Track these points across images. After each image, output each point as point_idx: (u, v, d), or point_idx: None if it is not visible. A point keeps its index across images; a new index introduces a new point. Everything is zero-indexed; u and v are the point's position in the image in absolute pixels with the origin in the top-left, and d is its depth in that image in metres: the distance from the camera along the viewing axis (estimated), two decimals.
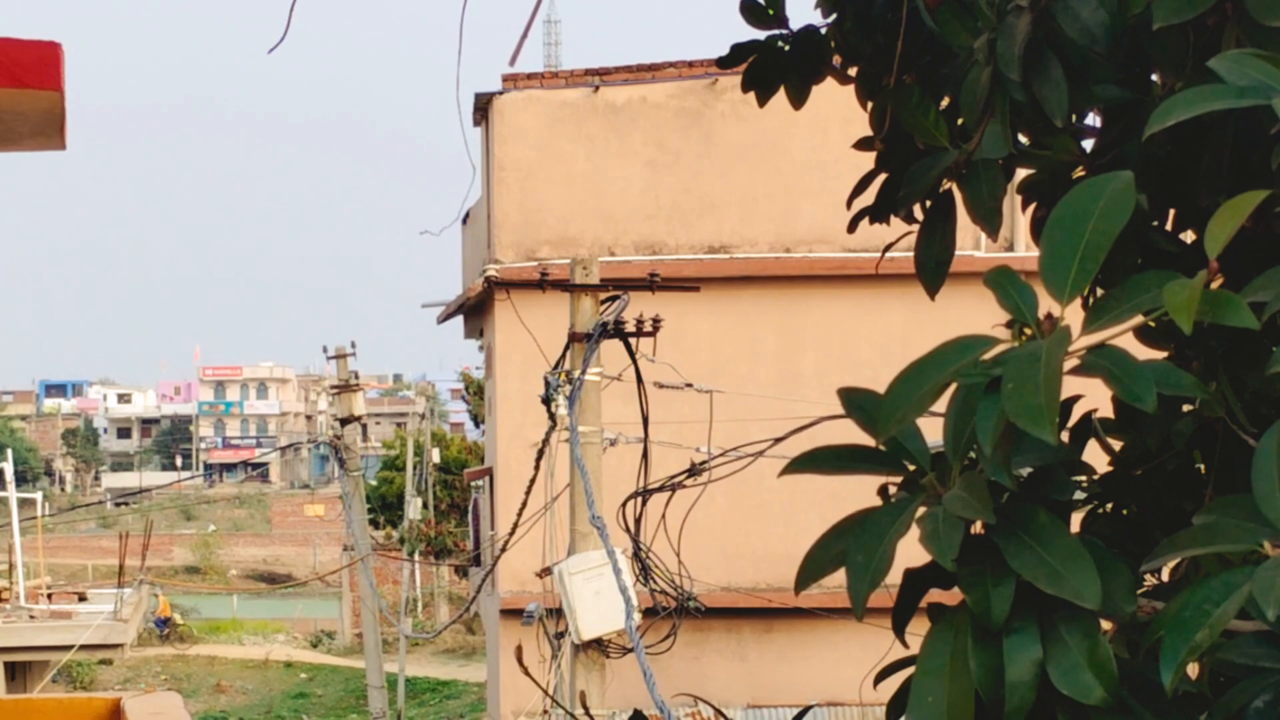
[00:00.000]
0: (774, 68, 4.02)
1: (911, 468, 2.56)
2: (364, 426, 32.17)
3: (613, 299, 18.26)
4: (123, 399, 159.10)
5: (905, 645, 2.63)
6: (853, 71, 3.96)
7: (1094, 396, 2.98)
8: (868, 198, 3.84)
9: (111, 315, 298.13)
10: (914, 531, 2.44)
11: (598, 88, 28.67)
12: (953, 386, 2.41)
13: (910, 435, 2.56)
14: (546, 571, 18.91)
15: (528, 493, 19.87)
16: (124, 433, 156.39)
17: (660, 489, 17.32)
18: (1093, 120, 3.49)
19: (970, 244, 24.83)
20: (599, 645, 18.05)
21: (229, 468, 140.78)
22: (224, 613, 79.50)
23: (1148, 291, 2.37)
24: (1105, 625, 2.41)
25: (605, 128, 28.56)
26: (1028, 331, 2.39)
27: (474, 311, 32.13)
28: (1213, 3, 2.88)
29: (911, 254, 3.59)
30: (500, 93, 28.59)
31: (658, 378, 18.61)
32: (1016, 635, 2.34)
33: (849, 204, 3.88)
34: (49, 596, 39.16)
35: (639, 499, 17.49)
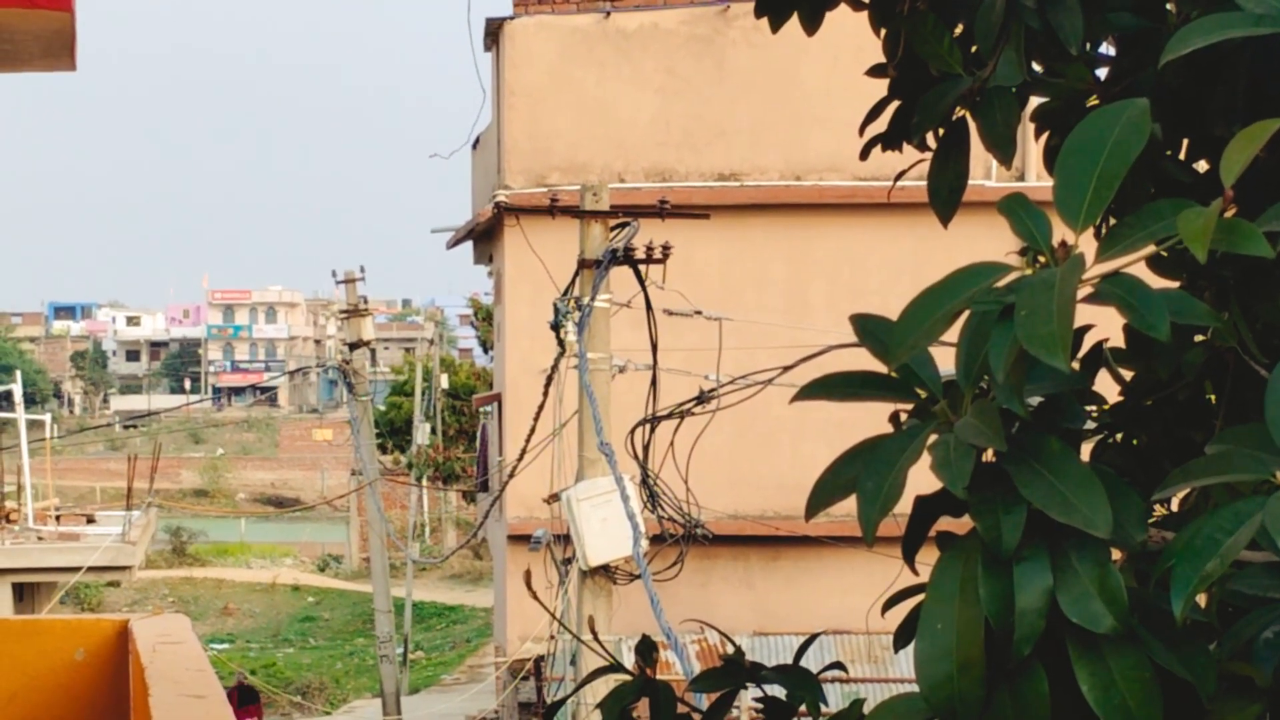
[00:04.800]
0: None
1: (923, 395, 2.55)
2: (373, 351, 32.27)
3: (622, 225, 18.25)
4: (131, 322, 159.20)
5: (915, 573, 2.63)
6: None
7: (1105, 326, 2.97)
8: (880, 125, 3.82)
9: (121, 237, 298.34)
10: (925, 459, 2.43)
11: (609, 13, 28.56)
12: (965, 313, 2.40)
13: (922, 362, 2.55)
14: (554, 498, 18.97)
15: (536, 419, 19.90)
16: (133, 355, 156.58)
17: (669, 416, 17.35)
18: (1108, 49, 3.47)
19: (981, 174, 24.78)
20: (606, 571, 18.11)
21: (237, 391, 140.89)
22: (232, 536, 79.82)
23: (1162, 220, 2.36)
24: (1115, 554, 2.41)
25: (616, 54, 28.46)
26: (1041, 259, 2.38)
27: (483, 237, 32.10)
28: None
29: (922, 182, 3.57)
30: (511, 18, 28.49)
31: (667, 305, 18.60)
32: (1027, 563, 2.34)
33: (862, 131, 3.85)
34: (57, 518, 39.21)
35: (647, 426, 17.52)
